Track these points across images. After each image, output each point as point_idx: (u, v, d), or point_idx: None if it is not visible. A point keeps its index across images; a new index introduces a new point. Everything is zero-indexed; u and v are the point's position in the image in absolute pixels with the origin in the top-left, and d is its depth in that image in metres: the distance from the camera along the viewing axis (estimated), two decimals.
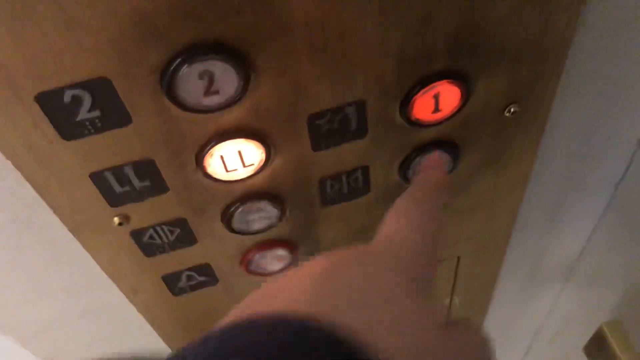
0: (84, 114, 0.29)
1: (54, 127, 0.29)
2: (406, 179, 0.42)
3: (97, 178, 0.33)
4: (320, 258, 0.23)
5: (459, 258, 0.56)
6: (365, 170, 0.40)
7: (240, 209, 0.39)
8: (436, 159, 0.39)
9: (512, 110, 0.39)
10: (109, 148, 0.32)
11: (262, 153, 0.35)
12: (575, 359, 0.71)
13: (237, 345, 0.17)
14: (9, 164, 0.30)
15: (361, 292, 0.21)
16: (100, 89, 0.28)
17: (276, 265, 0.46)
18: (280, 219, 0.41)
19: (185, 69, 0.28)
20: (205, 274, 0.45)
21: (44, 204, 0.34)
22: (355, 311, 0.19)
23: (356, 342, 0.17)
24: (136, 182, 0.34)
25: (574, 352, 0.69)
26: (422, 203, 0.30)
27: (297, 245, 0.45)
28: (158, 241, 0.39)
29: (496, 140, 0.42)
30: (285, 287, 0.21)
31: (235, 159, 0.35)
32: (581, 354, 0.62)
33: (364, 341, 0.18)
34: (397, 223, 0.28)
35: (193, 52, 0.28)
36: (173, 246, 0.41)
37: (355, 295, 0.21)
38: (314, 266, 0.22)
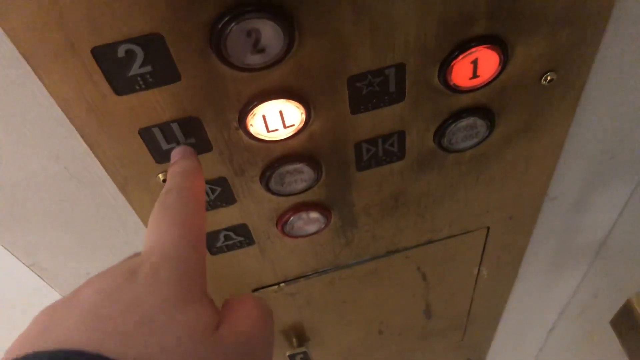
0: (136, 69, 0.30)
1: (107, 81, 0.31)
2: (441, 146, 0.42)
3: (145, 133, 0.34)
4: (88, 287, 0.23)
5: (488, 228, 0.56)
6: (401, 135, 0.41)
7: (278, 170, 0.40)
8: (182, 150, 0.35)
9: (548, 78, 0.39)
10: (158, 104, 0.33)
11: (302, 114, 0.36)
12: (601, 334, 0.71)
13: None
14: (63, 115, 0.32)
15: (127, 319, 0.21)
16: (153, 45, 0.29)
17: (310, 228, 0.47)
18: (316, 181, 0.42)
19: (233, 26, 0.29)
20: (242, 235, 0.46)
21: (94, 158, 0.35)
22: (122, 340, 0.20)
23: None
24: (182, 139, 0.35)
25: (600, 327, 0.69)
26: (180, 191, 0.29)
27: (331, 208, 0.47)
28: None
29: (531, 109, 0.42)
30: (58, 322, 0.22)
31: (276, 119, 0.36)
32: (608, 329, 0.62)
33: None
34: (160, 229, 0.26)
35: (242, 9, 0.29)
36: (213, 205, 0.42)
37: (122, 324, 0.21)
38: (83, 297, 0.23)
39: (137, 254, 0.27)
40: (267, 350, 0.25)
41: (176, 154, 0.34)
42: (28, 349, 0.20)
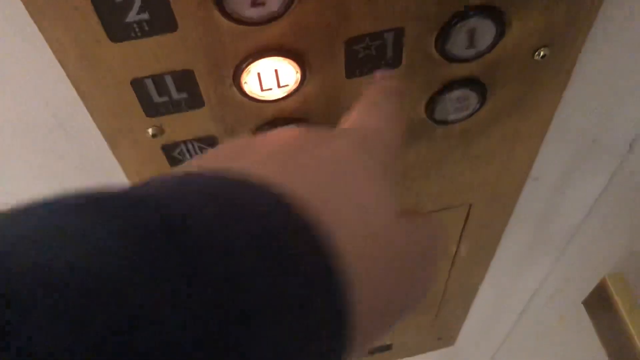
0: (133, 15, 0.30)
1: (103, 25, 0.30)
2: (432, 118, 0.43)
3: (137, 85, 0.34)
4: (294, 129, 0.23)
5: (470, 205, 0.57)
6: None
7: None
8: (386, 73, 0.37)
9: (541, 53, 0.40)
10: (153, 54, 0.32)
11: (297, 74, 0.36)
12: (572, 317, 0.73)
13: (199, 184, 0.17)
14: (54, 60, 0.31)
15: (326, 170, 0.21)
16: None
17: None
18: None
19: None
20: None
21: (82, 108, 0.35)
22: (315, 187, 0.19)
23: (307, 215, 0.17)
24: (174, 93, 0.35)
25: (572, 310, 0.71)
26: (392, 97, 0.30)
27: None
28: (187, 157, 0.40)
29: (522, 85, 0.42)
30: (251, 149, 0.21)
31: (271, 78, 0.35)
32: (579, 310, 0.64)
33: (316, 216, 0.17)
34: (369, 112, 0.28)
35: None
36: None
37: (319, 172, 0.20)
38: (285, 135, 0.22)
39: None
40: (437, 259, 0.25)
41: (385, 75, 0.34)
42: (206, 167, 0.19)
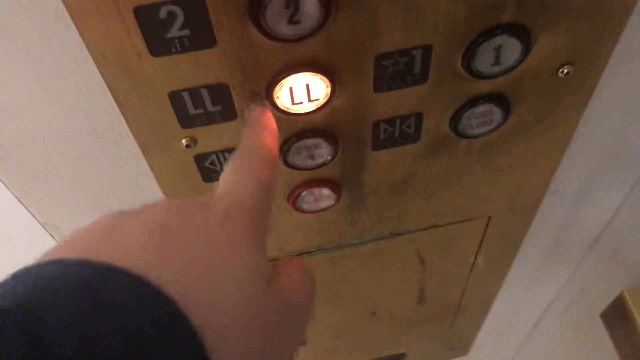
0: (174, 31, 0.31)
1: (145, 40, 0.31)
2: (456, 131, 0.43)
3: (174, 97, 0.35)
4: (160, 206, 0.23)
5: (489, 217, 0.58)
6: (419, 117, 0.42)
7: (297, 144, 0.41)
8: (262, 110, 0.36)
9: (565, 71, 0.41)
10: (191, 68, 0.33)
11: (327, 88, 0.37)
12: (586, 329, 0.73)
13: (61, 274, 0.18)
14: (96, 71, 0.32)
15: (191, 248, 0.21)
16: (194, 8, 0.30)
17: (320, 204, 0.48)
18: (332, 158, 0.43)
19: None
20: None
21: (120, 118, 0.36)
22: (178, 270, 0.20)
23: (170, 301, 0.18)
24: (209, 106, 0.36)
25: (587, 322, 0.71)
26: (265, 148, 0.31)
27: (342, 186, 0.47)
28: (218, 168, 0.41)
29: (545, 101, 0.43)
30: (121, 234, 0.21)
31: (302, 92, 0.37)
32: (594, 322, 0.64)
33: (184, 299, 0.18)
34: (237, 176, 0.28)
35: None
36: None
37: (185, 253, 0.21)
38: (153, 214, 0.22)
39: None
40: (307, 317, 0.26)
41: (255, 113, 0.34)
42: (77, 254, 0.19)
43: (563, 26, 0.37)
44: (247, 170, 0.28)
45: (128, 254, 0.19)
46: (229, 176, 0.28)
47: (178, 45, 0.32)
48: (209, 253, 0.21)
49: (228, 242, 0.23)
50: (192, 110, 0.36)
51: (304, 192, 0.46)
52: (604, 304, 0.65)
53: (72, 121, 0.37)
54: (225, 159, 0.41)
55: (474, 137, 0.44)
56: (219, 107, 0.36)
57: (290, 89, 0.36)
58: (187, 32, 0.31)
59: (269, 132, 0.33)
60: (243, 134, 0.32)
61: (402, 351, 0.93)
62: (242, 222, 0.24)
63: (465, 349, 0.97)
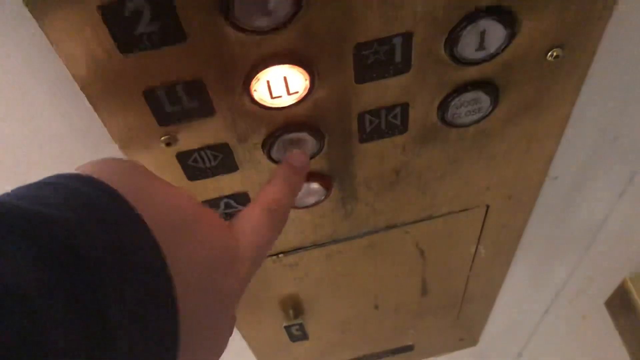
0: (142, 27, 0.30)
1: (113, 38, 0.30)
2: (444, 121, 0.42)
3: (149, 95, 0.34)
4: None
5: (488, 206, 0.57)
6: (405, 107, 0.41)
7: (281, 138, 0.40)
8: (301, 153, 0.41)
9: (554, 54, 0.39)
10: (163, 65, 0.33)
11: (306, 81, 0.36)
12: (595, 317, 0.72)
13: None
14: (68, 73, 0.32)
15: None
16: (160, 3, 0.29)
17: (310, 199, 0.47)
18: (318, 151, 0.42)
19: None
20: (243, 203, 0.46)
21: (97, 118, 0.35)
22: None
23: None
24: (185, 102, 0.35)
25: (595, 310, 0.70)
26: (286, 213, 0.36)
27: (332, 180, 0.47)
28: (201, 165, 0.41)
29: (536, 85, 0.42)
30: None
31: (280, 85, 0.36)
32: (601, 310, 0.63)
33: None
34: (264, 229, 0.34)
35: None
36: (215, 172, 0.42)
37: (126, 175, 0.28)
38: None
39: None
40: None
41: (296, 160, 0.40)
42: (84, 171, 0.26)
43: (548, 7, 0.36)
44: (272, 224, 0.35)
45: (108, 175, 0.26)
46: (256, 226, 0.34)
47: (147, 42, 0.31)
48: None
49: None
50: (168, 107, 0.35)
51: None
52: (611, 291, 0.63)
53: (49, 123, 0.36)
54: (208, 156, 0.40)
55: (464, 125, 0.43)
56: (195, 104, 0.36)
57: (268, 82, 0.35)
58: (154, 27, 0.30)
59: (296, 186, 0.39)
60: (272, 177, 0.37)
61: (409, 343, 0.93)
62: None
63: (474, 339, 0.96)
